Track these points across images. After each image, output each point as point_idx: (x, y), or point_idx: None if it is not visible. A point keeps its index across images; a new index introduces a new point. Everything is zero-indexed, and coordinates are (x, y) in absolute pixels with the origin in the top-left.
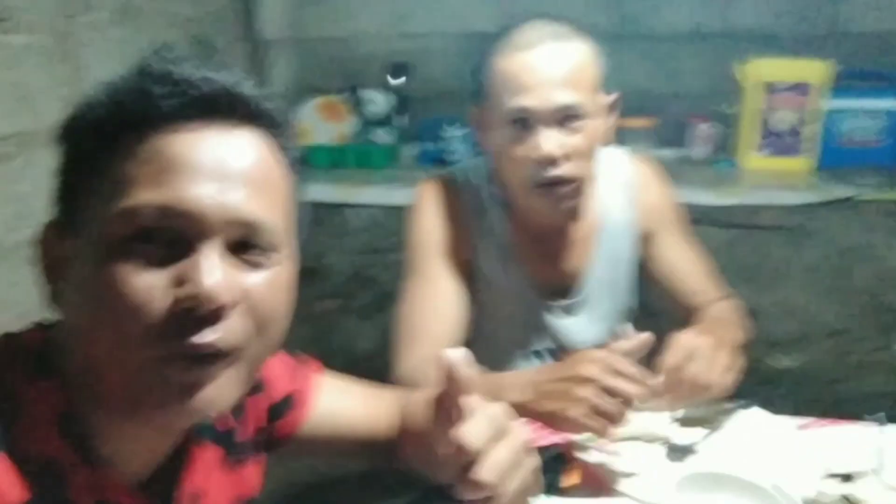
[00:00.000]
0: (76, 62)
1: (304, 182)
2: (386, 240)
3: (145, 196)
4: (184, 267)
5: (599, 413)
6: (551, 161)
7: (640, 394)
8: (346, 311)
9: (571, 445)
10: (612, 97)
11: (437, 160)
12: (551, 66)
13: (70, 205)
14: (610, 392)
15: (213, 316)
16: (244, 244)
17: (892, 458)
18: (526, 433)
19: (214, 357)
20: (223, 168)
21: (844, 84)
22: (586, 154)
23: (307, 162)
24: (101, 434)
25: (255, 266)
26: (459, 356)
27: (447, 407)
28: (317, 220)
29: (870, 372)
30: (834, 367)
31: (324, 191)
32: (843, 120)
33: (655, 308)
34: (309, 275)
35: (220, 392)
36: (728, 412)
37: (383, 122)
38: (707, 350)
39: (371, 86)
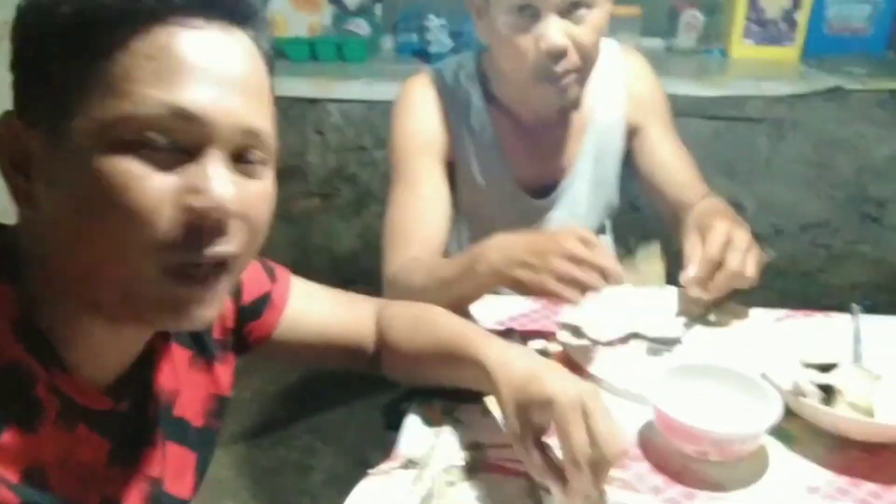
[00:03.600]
0: None
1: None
2: (367, 136)
3: (155, 94)
4: (192, 174)
5: (571, 281)
6: (560, 52)
7: (611, 267)
8: (326, 209)
9: (554, 336)
10: None
11: (418, 52)
12: None
13: (37, 97)
14: (580, 263)
15: (220, 227)
16: (241, 154)
17: (869, 346)
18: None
19: (216, 268)
20: (229, 73)
21: None
22: (591, 44)
23: (282, 55)
24: (66, 338)
25: (251, 176)
26: None
27: None
28: (295, 116)
29: (849, 263)
30: (812, 259)
31: (300, 85)
32: (831, 6)
33: (639, 203)
34: (288, 173)
35: (216, 304)
36: (705, 307)
37: (361, 11)
38: (744, 241)
39: None
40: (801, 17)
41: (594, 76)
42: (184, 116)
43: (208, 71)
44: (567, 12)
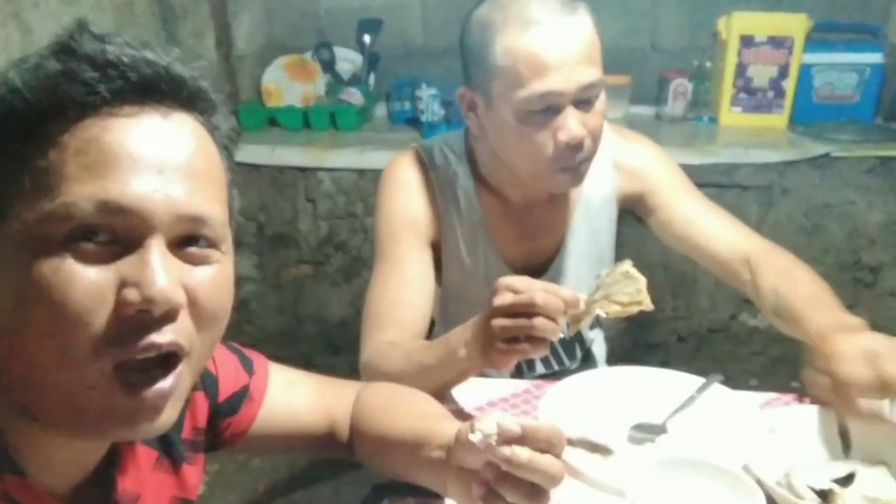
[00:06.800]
0: (24, 24)
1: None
2: (358, 204)
3: (82, 190)
4: (129, 266)
5: (517, 336)
6: (580, 142)
7: (553, 301)
8: (317, 276)
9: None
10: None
11: (410, 120)
12: (572, 42)
13: None
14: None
15: (165, 318)
16: (187, 239)
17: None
18: None
19: (167, 364)
20: (165, 158)
21: (820, 37)
22: (600, 128)
23: (276, 123)
24: (23, 445)
25: (199, 262)
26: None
27: None
28: (287, 184)
29: None
30: None
31: (294, 154)
32: (818, 74)
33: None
34: (280, 240)
35: (171, 409)
36: (691, 390)
37: (354, 81)
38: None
39: (340, 43)
40: (789, 86)
41: None
42: (114, 210)
43: (141, 159)
44: (582, 103)
